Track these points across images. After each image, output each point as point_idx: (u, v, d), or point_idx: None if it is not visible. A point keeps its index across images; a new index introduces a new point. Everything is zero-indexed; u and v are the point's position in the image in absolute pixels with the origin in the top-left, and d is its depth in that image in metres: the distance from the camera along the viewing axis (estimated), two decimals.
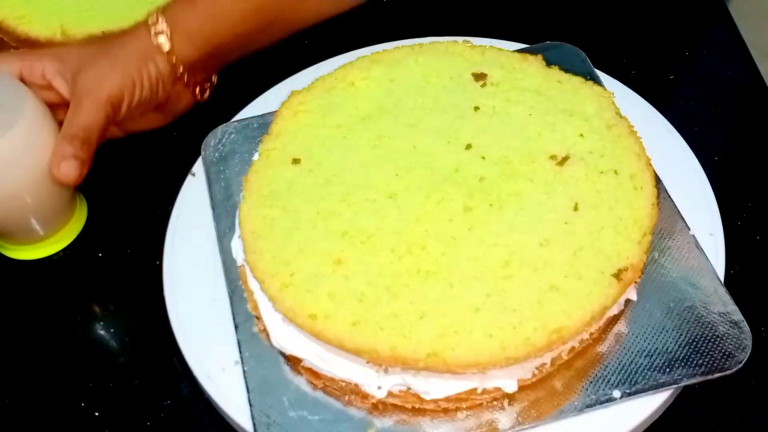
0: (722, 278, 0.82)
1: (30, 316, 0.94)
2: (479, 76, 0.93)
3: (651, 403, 0.76)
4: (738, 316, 0.79)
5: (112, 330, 0.91)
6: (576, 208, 0.81)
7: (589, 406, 0.76)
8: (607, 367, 0.78)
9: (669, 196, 0.88)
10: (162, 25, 0.93)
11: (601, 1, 1.20)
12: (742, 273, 0.88)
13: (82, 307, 0.93)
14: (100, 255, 0.97)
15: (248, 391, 0.78)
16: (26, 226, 0.95)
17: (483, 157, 0.85)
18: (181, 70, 0.94)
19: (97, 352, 0.90)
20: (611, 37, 1.14)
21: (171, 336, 0.84)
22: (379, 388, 0.76)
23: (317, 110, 0.92)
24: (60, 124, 0.90)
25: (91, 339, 0.91)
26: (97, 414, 0.86)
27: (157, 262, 0.90)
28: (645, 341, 0.79)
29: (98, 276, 0.96)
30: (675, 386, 0.76)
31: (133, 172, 1.04)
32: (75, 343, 0.91)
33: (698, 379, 0.76)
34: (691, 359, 0.77)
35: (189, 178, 0.95)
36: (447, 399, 0.76)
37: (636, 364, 0.78)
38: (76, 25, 1.11)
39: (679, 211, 0.87)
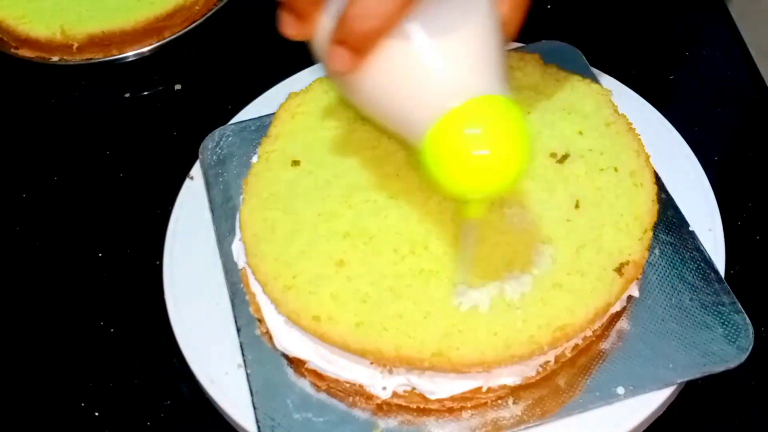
0: (723, 273, 0.82)
1: (30, 316, 0.93)
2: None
3: (654, 400, 0.76)
4: (739, 309, 0.79)
5: (112, 330, 0.91)
6: (577, 206, 0.81)
7: (594, 403, 0.76)
8: (610, 364, 0.78)
9: (668, 193, 0.88)
10: None
11: (602, 0, 1.20)
12: (742, 273, 0.88)
13: (82, 307, 0.93)
14: (100, 255, 0.97)
15: (252, 395, 0.78)
16: None
17: None
18: None
19: (97, 352, 0.90)
20: (611, 37, 1.14)
21: (171, 336, 0.84)
22: (384, 388, 0.76)
23: (316, 112, 0.92)
24: None
25: (91, 339, 0.90)
26: (97, 414, 0.85)
27: (157, 262, 0.89)
28: (647, 338, 0.79)
29: (98, 276, 0.95)
30: (678, 382, 0.77)
31: (132, 173, 1.04)
32: (75, 343, 0.91)
33: (701, 374, 0.76)
34: (693, 355, 0.77)
35: (187, 181, 0.95)
36: (452, 398, 0.75)
37: (639, 361, 0.78)
38: (76, 25, 1.12)
39: (678, 208, 0.87)
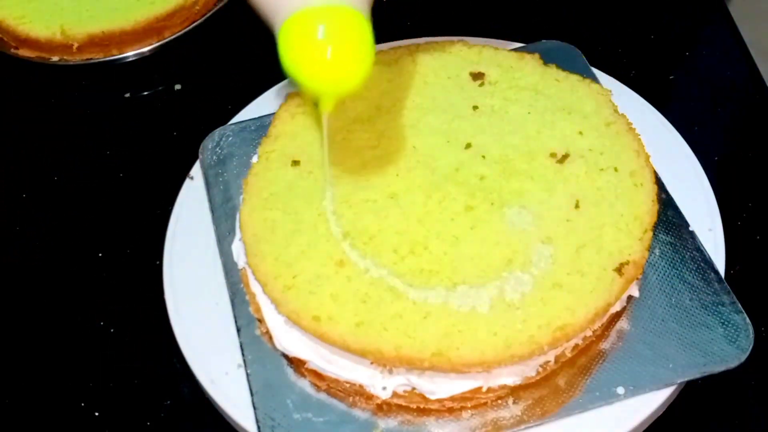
0: (723, 273, 0.82)
1: (30, 316, 0.93)
2: (477, 76, 0.93)
3: (654, 401, 0.76)
4: (739, 309, 0.79)
5: (112, 330, 0.91)
6: (577, 206, 0.81)
7: (594, 403, 0.76)
8: (610, 364, 0.78)
9: (668, 193, 0.88)
10: None
11: (602, 0, 1.20)
12: (742, 273, 0.88)
13: (82, 307, 0.93)
14: (100, 255, 0.97)
15: (252, 395, 0.78)
16: None
17: (483, 156, 0.85)
18: None
19: (97, 352, 0.90)
20: (611, 37, 1.14)
21: (171, 336, 0.84)
22: (384, 388, 0.76)
23: (315, 112, 0.91)
24: None
25: (91, 339, 0.90)
26: (97, 414, 0.85)
27: (157, 262, 0.90)
28: (647, 338, 0.79)
29: (98, 276, 0.95)
30: (678, 382, 0.77)
31: (132, 173, 1.04)
32: (75, 343, 0.91)
33: (701, 374, 0.76)
34: (693, 355, 0.77)
35: (187, 181, 0.95)
36: (452, 398, 0.76)
37: (639, 361, 0.78)
38: (76, 25, 1.12)
39: (678, 208, 0.87)
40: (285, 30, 0.72)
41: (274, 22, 0.74)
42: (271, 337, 0.80)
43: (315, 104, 0.84)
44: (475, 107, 0.90)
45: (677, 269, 0.83)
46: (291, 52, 0.72)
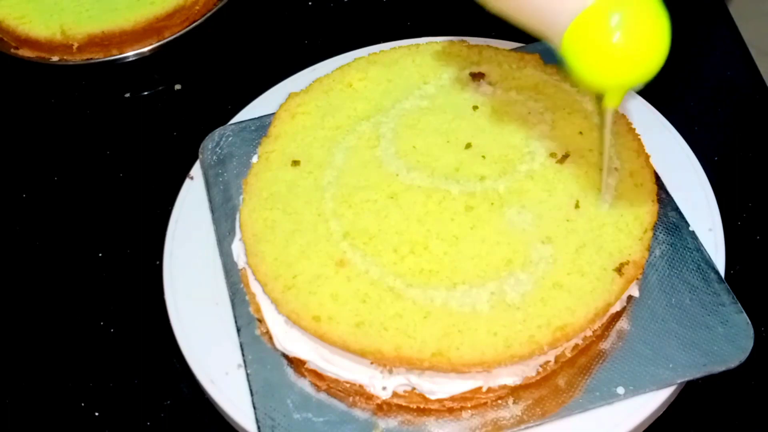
0: (723, 273, 0.82)
1: (30, 316, 0.93)
2: (477, 76, 0.93)
3: (654, 401, 0.76)
4: (739, 309, 0.79)
5: (112, 330, 0.91)
6: (577, 206, 0.81)
7: (593, 403, 0.76)
8: (610, 364, 0.78)
9: (668, 193, 0.88)
10: None
11: None
12: (742, 273, 0.88)
13: (82, 307, 0.93)
14: (100, 255, 0.97)
15: (252, 395, 0.78)
16: None
17: (483, 156, 0.86)
18: None
19: (97, 352, 0.90)
20: None
21: (171, 336, 0.84)
22: (384, 388, 0.76)
23: (315, 112, 0.92)
24: None
25: (91, 339, 0.90)
26: (97, 414, 0.86)
27: (157, 262, 0.90)
28: (647, 338, 0.79)
29: (98, 276, 0.95)
30: (678, 382, 0.77)
31: (132, 173, 1.04)
32: (75, 343, 0.91)
33: (701, 374, 0.76)
34: (693, 355, 0.77)
35: (187, 181, 0.95)
36: (452, 398, 0.76)
37: (639, 361, 0.78)
38: (76, 25, 1.12)
39: (678, 208, 0.87)
40: (576, 30, 0.69)
41: (552, 29, 0.71)
42: (271, 337, 0.80)
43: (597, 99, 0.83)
44: (475, 107, 0.90)
45: (677, 269, 0.83)
46: (587, 53, 0.70)
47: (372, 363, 0.76)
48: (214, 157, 0.95)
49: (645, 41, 0.70)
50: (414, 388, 0.76)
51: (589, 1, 0.69)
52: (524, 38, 1.03)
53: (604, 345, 0.79)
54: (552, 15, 0.71)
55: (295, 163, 0.87)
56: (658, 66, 0.71)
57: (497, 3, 0.76)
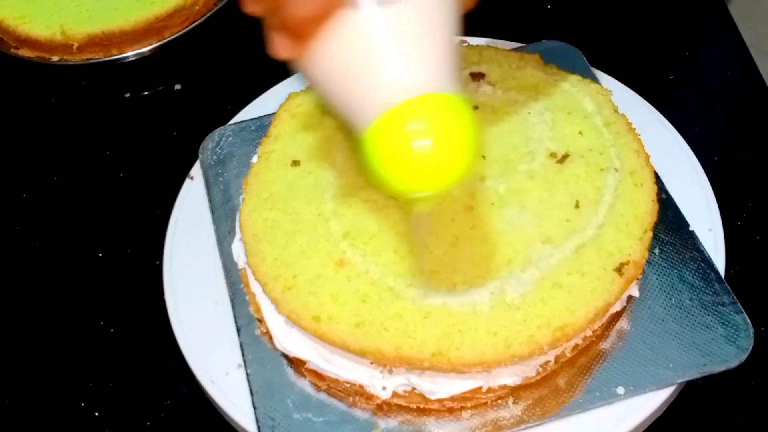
0: (723, 273, 0.82)
1: (30, 316, 0.94)
2: (477, 76, 0.93)
3: (654, 401, 0.76)
4: (739, 309, 0.79)
5: (112, 330, 0.91)
6: (577, 206, 0.81)
7: (593, 403, 0.76)
8: (610, 364, 0.78)
9: (668, 193, 0.88)
10: None
11: (602, 0, 1.20)
12: (742, 273, 0.88)
13: (82, 307, 0.93)
14: (100, 255, 0.97)
15: (252, 395, 0.78)
16: None
17: (483, 156, 0.85)
18: None
19: (97, 352, 0.90)
20: (611, 37, 1.14)
21: (171, 336, 0.84)
22: (384, 388, 0.76)
23: (316, 112, 0.92)
24: None
25: (91, 339, 0.90)
26: (97, 414, 0.85)
27: (157, 262, 0.90)
28: (647, 338, 0.79)
29: (98, 276, 0.95)
30: (678, 382, 0.77)
31: (132, 173, 1.04)
32: (75, 343, 0.91)
33: (701, 374, 0.76)
34: (693, 355, 0.77)
35: (187, 181, 0.95)
36: (452, 398, 0.76)
37: (639, 361, 0.78)
38: (76, 25, 1.12)
39: (678, 208, 0.87)
40: (374, 132, 0.63)
41: (357, 125, 0.65)
42: (271, 337, 0.80)
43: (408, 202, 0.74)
44: (475, 107, 0.90)
45: (677, 269, 0.83)
46: (385, 156, 0.62)
47: (372, 363, 0.76)
48: (214, 157, 0.95)
49: (447, 152, 0.62)
50: (414, 388, 0.76)
51: (395, 100, 0.62)
52: (524, 38, 1.04)
53: (604, 345, 0.79)
54: (356, 111, 0.65)
55: (295, 163, 0.87)
56: (461, 175, 0.62)
57: (307, 80, 0.70)
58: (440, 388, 0.75)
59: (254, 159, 0.90)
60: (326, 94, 0.69)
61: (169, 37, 1.14)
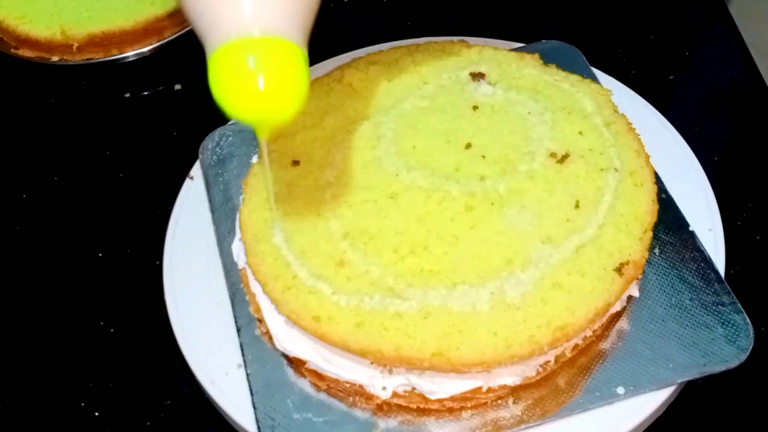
0: (723, 273, 0.82)
1: (30, 316, 0.93)
2: (477, 76, 0.93)
3: (654, 401, 0.76)
4: (739, 309, 0.79)
5: (112, 330, 0.91)
6: (577, 206, 0.81)
7: (593, 403, 0.76)
8: (610, 364, 0.78)
9: (668, 193, 0.88)
10: None
11: (602, 0, 1.20)
12: (742, 273, 0.88)
13: (82, 307, 0.93)
14: (100, 255, 0.97)
15: (252, 395, 0.78)
16: None
17: (483, 156, 0.85)
18: None
19: (97, 352, 0.90)
20: (611, 37, 1.14)
21: (171, 336, 0.84)
22: (384, 388, 0.76)
23: (315, 112, 0.92)
24: None
25: (91, 339, 0.90)
26: (97, 414, 0.85)
27: (157, 262, 0.90)
28: (647, 338, 0.79)
29: (98, 276, 0.95)
30: (678, 382, 0.77)
31: (132, 173, 1.04)
32: (75, 343, 0.91)
33: (701, 374, 0.76)
34: (693, 355, 0.77)
35: (187, 181, 0.95)
36: (452, 398, 0.76)
37: (639, 361, 0.78)
38: (76, 25, 1.12)
39: (678, 208, 0.87)
40: (215, 59, 0.71)
41: (206, 47, 0.73)
42: (271, 337, 0.80)
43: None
44: (475, 107, 0.90)
45: (677, 269, 0.83)
46: (220, 83, 0.71)
47: (372, 363, 0.76)
48: (214, 157, 0.95)
49: (273, 93, 0.69)
50: (414, 388, 0.76)
51: (237, 34, 0.69)
52: (524, 38, 1.04)
53: (604, 345, 0.79)
54: (206, 34, 0.73)
55: (295, 163, 0.87)
56: (293, 111, 0.70)
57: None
58: (440, 388, 0.75)
59: (254, 159, 0.90)
60: (186, 9, 0.74)
61: (169, 37, 1.14)
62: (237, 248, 0.86)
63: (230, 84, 0.70)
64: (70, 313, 0.93)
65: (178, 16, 1.14)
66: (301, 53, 0.70)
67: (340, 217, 0.82)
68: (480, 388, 0.75)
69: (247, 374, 0.79)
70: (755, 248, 0.91)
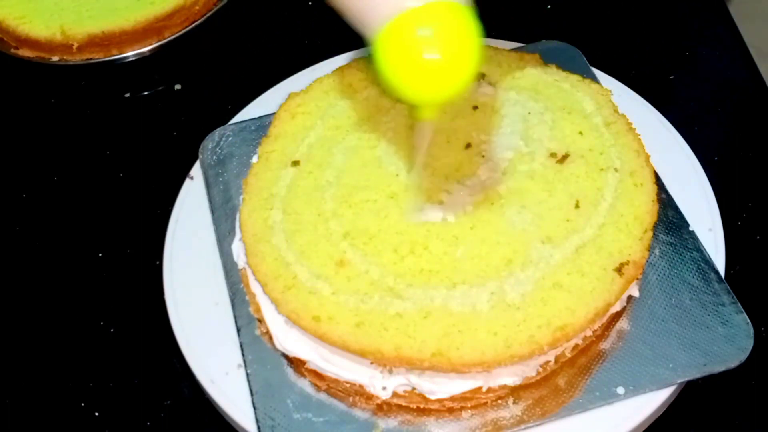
0: (723, 273, 0.82)
1: (30, 316, 0.94)
2: (477, 76, 0.93)
3: (654, 401, 0.76)
4: (739, 309, 0.79)
5: (112, 330, 0.91)
6: (577, 206, 0.81)
7: (593, 403, 0.76)
8: (610, 364, 0.78)
9: (668, 193, 0.88)
10: None
11: (602, 0, 1.20)
12: (742, 273, 0.88)
13: (82, 307, 0.93)
14: (100, 255, 0.97)
15: (252, 395, 0.78)
16: None
17: (483, 156, 0.85)
18: None
19: (97, 352, 0.90)
20: (611, 37, 1.14)
21: (171, 336, 0.84)
22: (384, 388, 0.76)
23: (315, 112, 0.92)
24: None
25: (91, 339, 0.90)
26: (97, 414, 0.85)
27: (157, 262, 0.90)
28: (648, 338, 0.79)
29: (98, 276, 0.95)
30: (678, 382, 0.77)
31: (132, 173, 1.04)
32: (75, 343, 0.91)
33: (701, 374, 0.76)
34: (693, 355, 0.77)
35: (187, 181, 0.95)
36: (452, 398, 0.76)
37: (639, 361, 0.78)
38: (76, 25, 1.12)
39: (678, 208, 0.87)
40: (384, 37, 0.66)
41: (368, 28, 0.68)
42: (271, 337, 0.80)
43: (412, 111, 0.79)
44: (475, 107, 0.90)
45: (677, 269, 0.83)
46: (393, 62, 0.66)
47: (372, 363, 0.76)
48: (214, 157, 0.95)
49: (453, 58, 0.66)
50: (414, 388, 0.76)
51: (406, 5, 0.66)
52: (524, 38, 1.04)
53: (604, 345, 0.79)
54: (367, 15, 0.68)
55: (295, 163, 0.87)
56: (465, 84, 0.67)
57: None
58: (440, 388, 0.75)
59: (254, 159, 0.90)
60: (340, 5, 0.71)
61: (169, 37, 1.14)
62: (237, 248, 0.86)
63: (405, 63, 0.66)
64: (70, 313, 0.93)
65: (178, 16, 1.14)
66: (472, 15, 0.67)
67: (340, 217, 0.82)
68: (480, 388, 0.75)
69: (247, 374, 0.79)
70: (755, 248, 0.91)
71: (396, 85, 0.67)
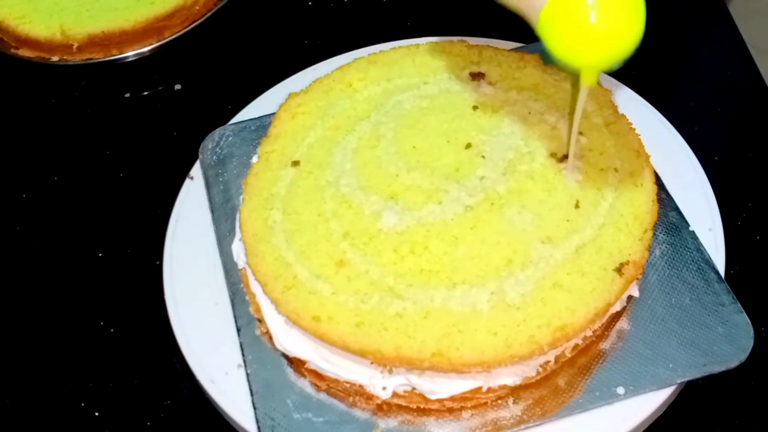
0: (723, 273, 0.82)
1: (30, 316, 0.93)
2: (477, 76, 0.93)
3: (654, 401, 0.76)
4: (739, 309, 0.79)
5: (112, 330, 0.91)
6: (577, 206, 0.81)
7: (593, 403, 0.76)
8: (610, 364, 0.78)
9: (668, 193, 0.88)
10: None
11: None
12: (742, 273, 0.88)
13: (82, 307, 0.93)
14: (100, 255, 0.97)
15: (252, 395, 0.78)
16: None
17: (483, 156, 0.86)
18: None
19: (97, 352, 0.90)
20: None
21: (171, 336, 0.84)
22: (384, 388, 0.76)
23: (315, 112, 0.92)
24: None
25: (91, 339, 0.90)
26: (97, 414, 0.85)
27: (157, 262, 0.90)
28: (648, 338, 0.79)
29: (98, 276, 0.95)
30: (678, 382, 0.77)
31: (132, 173, 1.04)
32: (75, 343, 0.91)
33: (701, 374, 0.76)
34: (693, 355, 0.77)
35: (187, 181, 0.95)
36: (452, 398, 0.76)
37: (639, 361, 0.78)
38: (76, 25, 1.12)
39: (678, 208, 0.87)
40: (552, 8, 0.71)
41: (532, 9, 0.73)
42: (271, 337, 0.80)
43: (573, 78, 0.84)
44: (475, 107, 0.90)
45: (677, 269, 0.83)
46: (562, 31, 0.71)
47: (372, 363, 0.76)
48: (214, 157, 0.95)
49: (620, 21, 0.71)
50: (414, 388, 0.76)
51: None
52: (524, 38, 1.03)
53: (604, 345, 0.79)
54: None
55: (295, 163, 0.87)
56: (633, 46, 0.72)
57: None
58: (440, 388, 0.75)
59: (254, 159, 0.90)
60: None
61: (169, 37, 1.14)
62: (237, 248, 0.86)
63: (572, 30, 0.70)
64: (70, 313, 0.93)
65: (178, 16, 1.14)
66: None
67: (340, 217, 0.82)
68: (480, 388, 0.75)
69: (247, 374, 0.79)
70: (755, 248, 0.91)
71: (566, 54, 0.72)
